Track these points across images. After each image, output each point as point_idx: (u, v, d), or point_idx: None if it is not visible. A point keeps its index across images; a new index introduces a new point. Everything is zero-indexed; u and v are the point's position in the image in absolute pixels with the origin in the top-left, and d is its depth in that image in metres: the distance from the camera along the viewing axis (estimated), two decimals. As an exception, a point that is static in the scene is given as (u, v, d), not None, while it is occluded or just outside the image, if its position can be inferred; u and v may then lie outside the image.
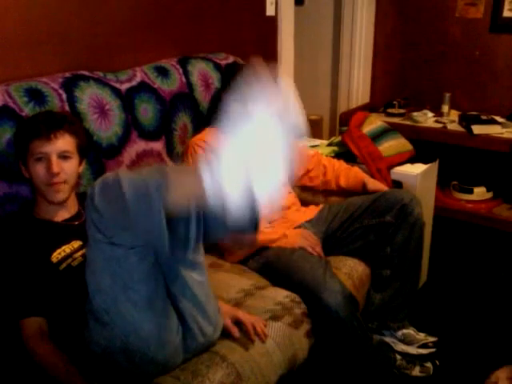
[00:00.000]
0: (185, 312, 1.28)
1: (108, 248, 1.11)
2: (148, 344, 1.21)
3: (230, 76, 2.05)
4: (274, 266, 1.81)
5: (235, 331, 1.43)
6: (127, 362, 1.23)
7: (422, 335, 1.98)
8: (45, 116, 1.42)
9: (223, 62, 2.21)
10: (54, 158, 1.35)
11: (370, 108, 3.28)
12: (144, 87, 1.89)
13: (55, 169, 1.34)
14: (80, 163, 1.46)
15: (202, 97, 2.09)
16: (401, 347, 1.96)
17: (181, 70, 2.04)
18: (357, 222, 1.96)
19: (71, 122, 1.42)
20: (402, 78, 3.41)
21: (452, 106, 3.09)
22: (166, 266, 1.24)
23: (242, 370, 1.35)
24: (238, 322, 1.45)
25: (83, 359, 1.24)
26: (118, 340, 1.20)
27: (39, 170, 1.36)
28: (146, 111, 1.88)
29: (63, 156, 1.38)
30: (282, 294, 1.66)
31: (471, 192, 3.03)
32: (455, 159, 3.06)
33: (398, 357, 1.94)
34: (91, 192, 1.09)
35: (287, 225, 1.97)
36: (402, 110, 3.18)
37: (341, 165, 2.20)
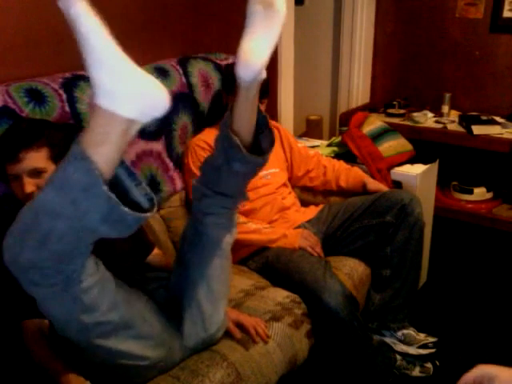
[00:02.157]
0: (191, 299, 1.30)
1: (65, 294, 1.02)
2: (141, 358, 1.21)
3: (230, 76, 2.06)
4: (274, 266, 1.81)
5: (237, 333, 1.44)
6: (124, 373, 1.23)
7: (422, 335, 1.98)
8: (11, 135, 1.36)
9: (223, 62, 2.21)
10: (26, 178, 1.31)
11: (370, 108, 3.28)
12: (144, 87, 1.89)
13: (27, 189, 1.31)
14: None
15: (202, 97, 2.09)
16: (401, 347, 1.95)
17: (181, 71, 2.03)
18: (357, 222, 1.96)
19: (38, 135, 1.35)
20: (402, 78, 3.41)
21: (452, 107, 3.08)
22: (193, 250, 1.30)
23: (242, 369, 1.35)
24: (239, 325, 1.46)
25: (82, 360, 1.24)
26: (111, 360, 1.19)
27: (16, 189, 1.34)
28: (146, 111, 1.88)
29: (36, 172, 1.33)
30: (282, 295, 1.66)
31: (471, 192, 3.02)
32: (455, 159, 3.06)
33: (398, 357, 1.94)
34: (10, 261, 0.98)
35: (287, 225, 1.97)
36: (402, 111, 3.18)
37: (341, 165, 2.20)
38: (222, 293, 1.36)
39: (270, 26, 1.08)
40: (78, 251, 0.99)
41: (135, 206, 0.96)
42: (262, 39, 1.07)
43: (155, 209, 1.00)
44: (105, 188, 0.88)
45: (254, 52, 1.06)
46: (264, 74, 1.12)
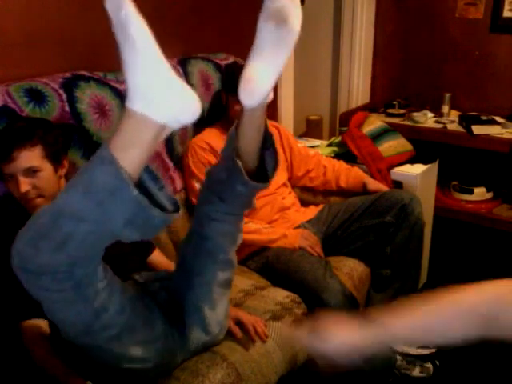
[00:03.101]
0: (192, 304, 1.30)
1: (75, 297, 1.01)
2: (143, 361, 1.20)
3: (230, 76, 2.05)
4: (274, 266, 1.81)
5: (237, 332, 1.43)
6: (124, 373, 1.23)
7: (422, 335, 1.97)
8: (5, 134, 1.36)
9: (223, 62, 2.21)
10: (21, 178, 1.31)
11: (370, 108, 3.27)
12: (144, 87, 1.89)
13: (22, 189, 1.31)
14: (58, 167, 1.40)
15: (202, 97, 2.09)
16: (401, 347, 1.95)
17: (181, 71, 2.03)
18: (357, 222, 1.96)
19: (31, 133, 1.34)
20: (402, 78, 3.41)
21: (452, 107, 3.08)
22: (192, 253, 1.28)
23: (242, 369, 1.35)
24: (238, 323, 1.46)
25: (82, 360, 1.24)
26: (113, 362, 1.19)
27: (12, 189, 1.35)
28: (146, 111, 1.88)
29: (31, 171, 1.32)
30: (282, 294, 1.66)
31: (471, 192, 3.02)
32: (455, 159, 3.06)
33: (399, 357, 1.94)
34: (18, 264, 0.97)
35: (287, 225, 1.97)
36: (402, 111, 3.18)
37: (341, 165, 2.20)
38: (223, 295, 1.35)
39: (280, 47, 0.99)
40: (94, 254, 0.99)
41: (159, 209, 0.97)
42: (269, 62, 1.00)
43: (180, 211, 1.01)
44: (135, 192, 0.89)
45: (258, 77, 1.00)
46: (270, 97, 1.07)
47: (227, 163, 1.19)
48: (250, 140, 1.16)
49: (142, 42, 0.87)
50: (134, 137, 0.90)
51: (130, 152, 0.89)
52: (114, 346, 1.14)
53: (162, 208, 0.96)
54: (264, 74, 1.00)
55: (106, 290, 1.06)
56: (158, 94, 0.88)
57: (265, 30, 1.00)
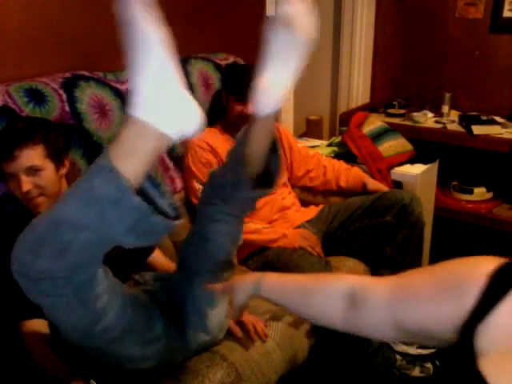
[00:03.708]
0: (192, 305, 1.29)
1: (76, 302, 1.00)
2: (143, 360, 1.20)
3: (230, 76, 2.05)
4: (274, 265, 1.81)
5: (238, 331, 1.44)
6: (125, 373, 1.22)
7: (422, 335, 1.97)
8: (6, 133, 1.37)
9: (223, 62, 2.21)
10: (23, 177, 1.31)
11: (370, 108, 3.27)
12: (144, 87, 1.89)
13: (24, 188, 1.31)
14: (60, 166, 1.41)
15: (202, 97, 2.09)
16: (401, 347, 1.95)
17: (181, 71, 2.03)
18: (357, 221, 1.96)
19: (33, 133, 1.34)
20: (402, 79, 3.41)
21: (452, 107, 3.08)
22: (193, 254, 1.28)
23: (242, 369, 1.35)
24: (238, 322, 1.46)
25: (83, 361, 1.24)
26: (113, 362, 1.18)
27: (13, 188, 1.35)
28: (146, 111, 1.88)
29: (33, 170, 1.32)
30: (282, 294, 1.66)
31: (471, 192, 3.02)
32: (455, 159, 3.06)
33: (398, 357, 1.94)
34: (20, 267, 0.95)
35: (287, 225, 1.97)
36: (402, 111, 3.18)
37: (341, 165, 2.20)
38: (223, 296, 1.35)
39: (290, 54, 1.04)
40: (94, 261, 0.98)
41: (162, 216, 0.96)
42: (279, 70, 1.03)
43: (182, 217, 1.00)
44: (136, 200, 0.87)
45: (269, 85, 1.03)
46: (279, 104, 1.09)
47: (233, 170, 1.20)
48: (261, 144, 1.18)
49: (158, 50, 0.89)
50: (135, 144, 0.89)
51: (131, 160, 0.88)
52: (114, 348, 1.13)
53: (165, 214, 0.94)
54: (275, 79, 1.04)
55: (106, 294, 1.05)
56: (166, 104, 0.88)
57: (274, 38, 1.03)
